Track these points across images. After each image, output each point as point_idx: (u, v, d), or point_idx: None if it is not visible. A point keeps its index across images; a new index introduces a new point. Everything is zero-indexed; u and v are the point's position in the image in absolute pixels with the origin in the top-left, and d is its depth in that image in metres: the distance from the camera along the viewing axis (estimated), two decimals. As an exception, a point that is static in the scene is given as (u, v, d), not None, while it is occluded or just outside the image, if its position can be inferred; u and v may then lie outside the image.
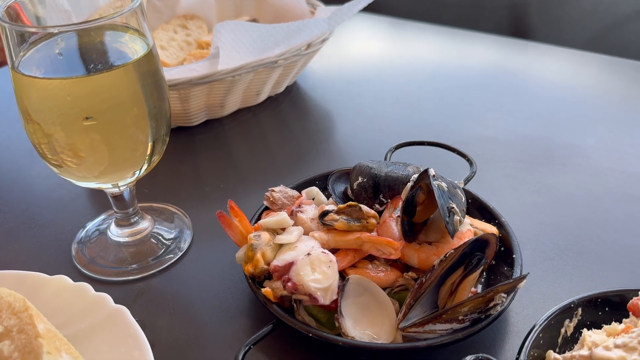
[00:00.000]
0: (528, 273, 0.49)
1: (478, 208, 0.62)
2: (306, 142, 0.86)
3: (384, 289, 0.52)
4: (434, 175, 0.53)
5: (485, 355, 0.44)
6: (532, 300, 0.56)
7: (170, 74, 0.75)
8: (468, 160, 0.68)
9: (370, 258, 0.54)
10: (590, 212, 0.67)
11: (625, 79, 1.01)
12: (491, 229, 0.57)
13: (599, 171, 0.74)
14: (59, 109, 0.49)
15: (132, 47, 0.52)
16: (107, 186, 0.56)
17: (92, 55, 0.51)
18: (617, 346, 0.42)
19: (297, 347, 0.51)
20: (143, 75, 0.51)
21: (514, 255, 0.54)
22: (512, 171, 0.75)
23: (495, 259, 0.56)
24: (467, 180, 0.66)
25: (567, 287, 0.57)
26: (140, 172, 0.56)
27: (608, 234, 0.64)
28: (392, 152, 0.72)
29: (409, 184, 0.53)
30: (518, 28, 1.48)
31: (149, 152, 0.53)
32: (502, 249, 0.57)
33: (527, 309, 0.55)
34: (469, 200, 0.63)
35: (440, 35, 1.23)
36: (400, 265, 0.54)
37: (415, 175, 0.54)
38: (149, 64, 0.52)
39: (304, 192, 0.62)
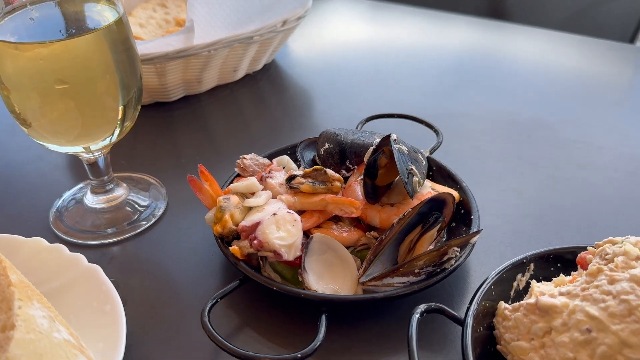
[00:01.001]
0: (481, 229, 0.51)
1: (442, 175, 0.64)
2: (283, 117, 0.88)
3: (348, 247, 0.54)
4: (395, 140, 0.55)
5: (437, 304, 0.47)
6: (490, 259, 0.58)
7: (146, 48, 0.76)
8: (435, 130, 0.71)
9: (336, 219, 0.57)
10: (551, 180, 0.70)
11: (596, 58, 1.04)
12: (454, 193, 0.60)
13: (562, 143, 0.77)
14: (32, 74, 0.51)
15: (104, 15, 0.54)
16: (79, 150, 0.58)
17: (65, 22, 0.53)
18: (561, 294, 0.45)
19: (263, 302, 0.53)
20: (113, 41, 0.53)
21: (472, 217, 0.57)
22: (478, 143, 0.78)
23: (456, 221, 0.58)
24: (433, 150, 0.68)
25: (525, 248, 0.60)
26: (112, 137, 0.57)
27: (567, 200, 0.67)
28: (363, 124, 0.74)
29: (371, 148, 0.56)
30: (496, 10, 1.50)
31: (120, 116, 0.55)
32: (462, 211, 0.59)
33: (484, 267, 0.57)
34: (434, 168, 0.65)
35: (419, 17, 1.25)
36: (364, 225, 0.56)
37: (378, 140, 0.56)
38: (120, 31, 0.54)
39: (274, 160, 0.64)
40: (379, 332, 0.51)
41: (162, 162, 0.76)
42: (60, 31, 0.52)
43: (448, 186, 0.63)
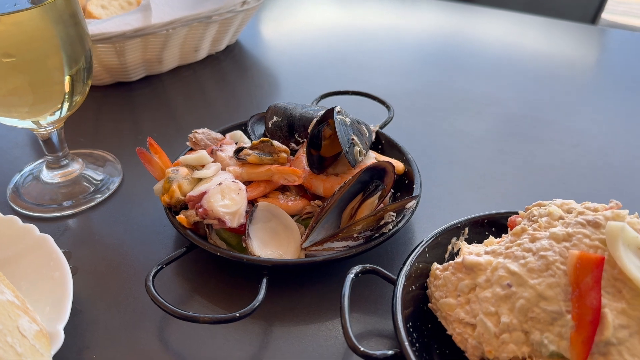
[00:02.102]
0: (417, 195, 0.53)
1: (390, 148, 0.66)
2: (245, 96, 0.90)
3: (294, 216, 0.56)
4: (338, 111, 0.57)
5: (371, 266, 0.49)
6: (431, 226, 0.61)
7: (104, 27, 0.77)
8: (387, 106, 0.73)
9: (283, 190, 0.59)
10: (497, 153, 0.72)
11: (557, 38, 1.07)
12: (397, 164, 0.62)
13: (511, 118, 0.80)
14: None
15: (51, -10, 0.55)
16: (30, 125, 0.59)
17: (12, -3, 0.54)
18: (487, 253, 0.47)
19: (210, 269, 0.55)
20: (61, 15, 0.54)
21: (414, 186, 0.59)
22: (430, 119, 0.80)
23: (400, 191, 0.61)
24: (384, 124, 0.70)
25: (465, 215, 0.62)
26: (62, 112, 0.59)
27: (510, 170, 0.69)
28: (318, 101, 0.76)
29: (315, 120, 0.57)
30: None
31: (67, 90, 0.56)
32: (407, 182, 0.61)
33: (425, 233, 0.60)
34: (383, 142, 0.67)
35: (383, 0, 1.27)
36: (310, 195, 0.58)
37: (322, 112, 0.58)
38: (67, 5, 0.55)
39: (228, 135, 0.66)
40: (320, 294, 0.53)
41: (122, 140, 0.77)
42: (6, 5, 0.53)
43: (395, 158, 0.65)
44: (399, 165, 0.62)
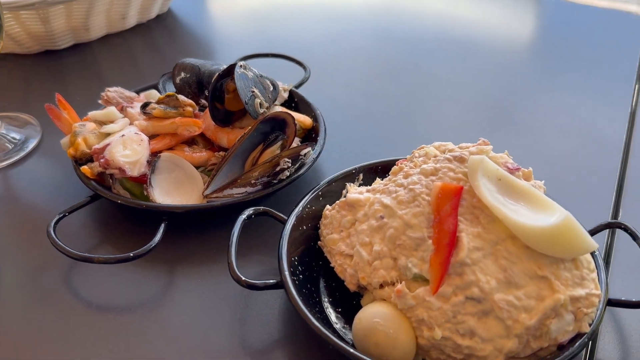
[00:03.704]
0: (312, 143, 0.56)
1: (303, 105, 0.68)
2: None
3: (199, 168, 0.59)
4: (241, 65, 0.59)
5: (264, 208, 0.51)
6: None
7: (25, -8, 0.78)
8: (303, 66, 0.75)
9: (190, 144, 0.61)
10: (405, 110, 0.76)
11: (494, 8, 1.10)
12: (304, 118, 0.64)
13: (428, 79, 0.83)
14: None
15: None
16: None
17: None
18: (368, 191, 0.50)
19: (116, 219, 0.57)
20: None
21: (317, 138, 0.62)
22: (350, 81, 0.83)
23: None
24: (299, 84, 0.72)
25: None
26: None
27: (412, 125, 0.73)
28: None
29: (218, 73, 0.59)
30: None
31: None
32: (314, 135, 0.64)
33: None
34: (296, 99, 0.69)
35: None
36: (216, 148, 0.61)
37: (225, 66, 0.60)
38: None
39: (143, 94, 0.68)
40: (220, 239, 0.55)
41: (43, 104, 0.78)
42: None
43: (307, 115, 0.67)
44: (306, 120, 0.65)
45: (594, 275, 0.43)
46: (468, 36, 0.96)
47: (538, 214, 0.42)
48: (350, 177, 0.56)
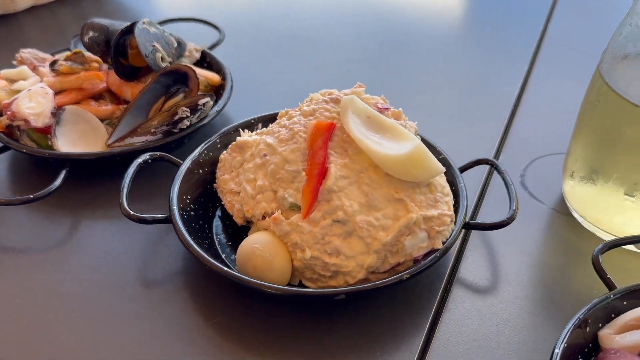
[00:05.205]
0: (210, 94, 0.59)
1: (213, 66, 0.71)
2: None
3: (104, 120, 0.61)
4: (143, 22, 0.62)
5: (161, 153, 0.54)
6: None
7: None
8: (217, 28, 0.78)
9: (97, 99, 0.63)
10: (311, 67, 0.80)
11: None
12: (212, 75, 0.67)
13: (336, 44, 0.87)
14: None
15: None
16: None
17: None
18: (257, 134, 0.54)
19: (24, 168, 0.60)
20: None
21: (222, 93, 0.65)
22: (266, 45, 0.86)
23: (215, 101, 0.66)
24: (213, 46, 0.75)
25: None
26: None
27: (316, 79, 0.77)
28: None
29: (120, 30, 0.62)
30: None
31: None
32: (221, 92, 0.67)
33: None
34: (208, 60, 0.72)
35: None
36: (122, 101, 0.63)
37: (129, 23, 0.63)
38: None
39: (57, 55, 0.69)
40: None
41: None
42: None
43: (216, 72, 0.70)
44: (214, 77, 0.68)
45: (448, 199, 0.47)
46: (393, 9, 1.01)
47: (398, 145, 0.46)
48: (250, 126, 0.59)
